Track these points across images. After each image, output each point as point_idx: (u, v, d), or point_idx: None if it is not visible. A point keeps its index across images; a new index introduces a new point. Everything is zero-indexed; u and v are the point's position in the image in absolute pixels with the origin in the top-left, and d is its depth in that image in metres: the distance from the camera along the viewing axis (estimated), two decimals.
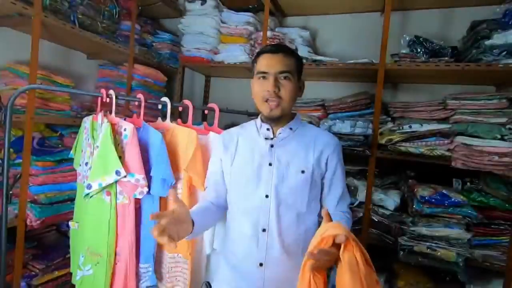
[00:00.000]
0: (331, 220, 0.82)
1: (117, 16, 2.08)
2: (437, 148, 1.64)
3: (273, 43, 2.00)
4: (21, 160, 1.50)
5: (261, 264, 0.97)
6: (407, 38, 1.78)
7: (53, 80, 1.73)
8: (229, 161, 1.04)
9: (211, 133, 1.22)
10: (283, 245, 0.96)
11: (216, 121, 1.24)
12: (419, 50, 1.73)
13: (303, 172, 0.97)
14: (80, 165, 1.30)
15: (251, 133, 1.06)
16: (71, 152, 1.38)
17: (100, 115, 1.21)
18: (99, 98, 1.24)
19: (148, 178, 1.15)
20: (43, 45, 1.91)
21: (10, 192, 1.18)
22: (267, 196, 0.96)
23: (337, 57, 2.01)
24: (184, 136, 1.22)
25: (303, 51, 2.02)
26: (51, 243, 1.84)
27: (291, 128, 1.03)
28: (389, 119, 1.88)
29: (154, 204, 1.18)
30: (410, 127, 1.69)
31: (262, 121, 1.05)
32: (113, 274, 1.14)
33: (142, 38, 2.35)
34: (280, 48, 1.01)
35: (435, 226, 1.59)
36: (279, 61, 0.97)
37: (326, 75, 2.14)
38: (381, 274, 1.76)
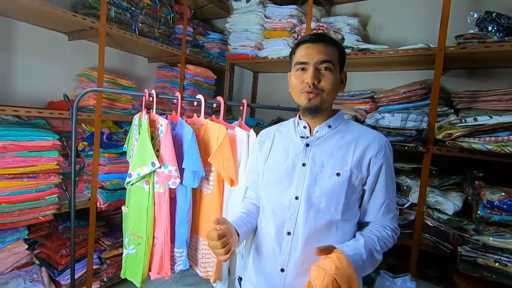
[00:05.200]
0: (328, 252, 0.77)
1: (171, 21, 2.27)
2: (510, 145, 1.37)
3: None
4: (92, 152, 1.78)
5: (282, 270, 0.90)
6: (475, 15, 1.52)
7: (117, 83, 2.00)
8: (263, 159, 1.00)
9: (237, 128, 1.25)
10: (308, 252, 0.85)
11: (243, 116, 1.27)
12: (490, 28, 1.46)
13: (338, 174, 0.87)
14: (130, 157, 1.47)
15: (289, 131, 0.99)
16: (124, 146, 1.57)
17: (144, 113, 1.35)
18: (143, 98, 1.39)
19: (181, 170, 1.24)
20: (112, 52, 2.22)
21: (77, 178, 1.40)
22: (297, 198, 0.89)
23: (391, 43, 1.82)
24: (215, 131, 1.28)
25: (350, 40, 1.89)
26: (118, 224, 2.14)
27: (330, 126, 0.93)
28: (452, 111, 1.64)
29: (187, 194, 1.28)
30: (475, 119, 1.44)
31: (300, 118, 0.98)
32: (151, 255, 1.28)
33: (195, 40, 2.51)
34: (320, 37, 0.92)
35: (507, 237, 1.34)
36: (319, 51, 0.88)
37: (377, 64, 1.96)
38: (437, 284, 1.56)
